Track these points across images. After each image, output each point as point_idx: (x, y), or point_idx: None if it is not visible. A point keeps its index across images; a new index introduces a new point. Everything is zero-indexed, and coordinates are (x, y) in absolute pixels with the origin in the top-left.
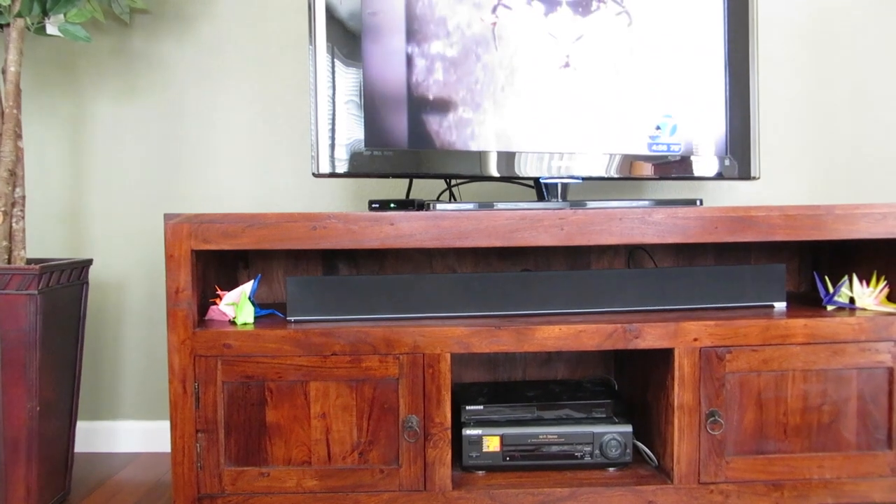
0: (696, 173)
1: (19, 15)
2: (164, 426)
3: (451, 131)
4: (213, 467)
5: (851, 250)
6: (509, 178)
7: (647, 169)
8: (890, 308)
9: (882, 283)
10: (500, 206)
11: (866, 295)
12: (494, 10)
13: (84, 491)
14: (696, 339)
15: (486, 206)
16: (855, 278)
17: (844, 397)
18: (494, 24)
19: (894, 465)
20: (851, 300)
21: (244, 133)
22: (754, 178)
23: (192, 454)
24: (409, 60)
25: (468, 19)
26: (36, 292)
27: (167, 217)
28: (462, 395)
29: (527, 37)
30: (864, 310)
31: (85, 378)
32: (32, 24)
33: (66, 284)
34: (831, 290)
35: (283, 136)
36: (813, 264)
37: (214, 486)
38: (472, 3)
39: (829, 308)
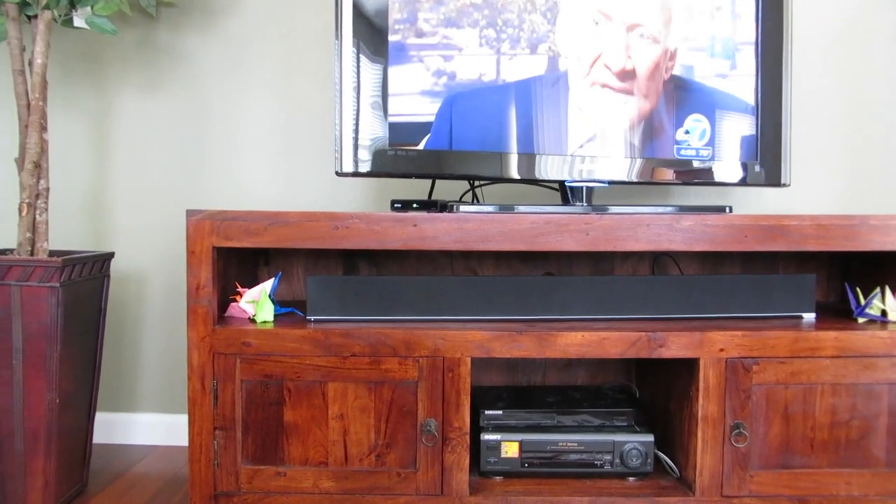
0: (725, 179)
1: (47, 7)
2: (183, 420)
3: (476, 132)
4: (230, 465)
5: (883, 261)
6: (533, 181)
7: (674, 174)
8: None
9: None
10: (524, 209)
11: None
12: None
13: (101, 483)
14: (722, 350)
15: (509, 208)
16: (888, 290)
17: (874, 413)
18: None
19: None
20: (883, 313)
21: (267, 129)
22: (784, 186)
23: (209, 452)
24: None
25: None
26: (58, 285)
27: (189, 213)
28: (481, 399)
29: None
30: None
31: (105, 369)
32: (59, 16)
33: (87, 277)
34: (862, 301)
35: (306, 134)
36: (842, 274)
37: (231, 485)
38: None
39: (861, 321)
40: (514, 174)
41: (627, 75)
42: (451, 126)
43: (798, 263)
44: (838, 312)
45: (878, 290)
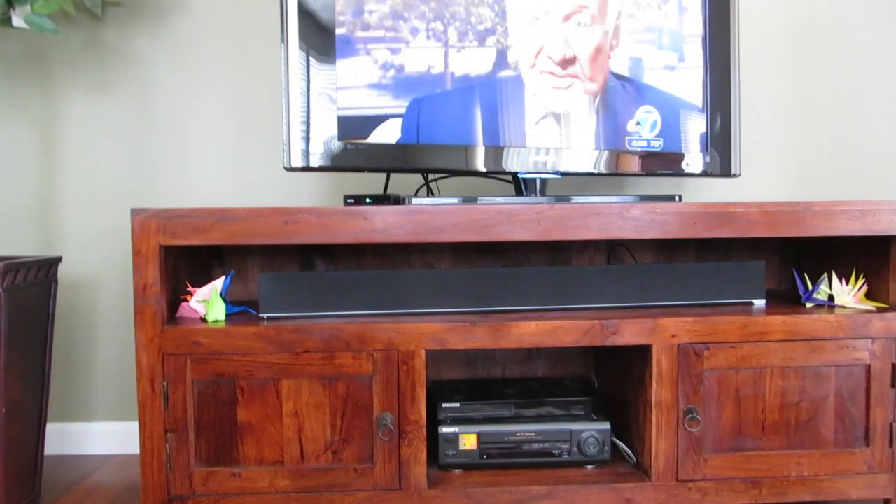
0: (676, 170)
1: None
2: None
3: (428, 126)
4: (184, 468)
5: (831, 248)
6: (487, 174)
7: (626, 165)
8: (868, 306)
9: (861, 281)
10: (476, 200)
11: (845, 293)
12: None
13: (55, 494)
14: (674, 336)
15: (461, 200)
16: (834, 276)
17: (822, 395)
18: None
19: (871, 463)
20: (830, 297)
21: (219, 128)
22: (735, 175)
23: (161, 455)
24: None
25: None
26: (0, 290)
27: (134, 212)
28: (439, 392)
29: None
30: (843, 307)
31: (56, 378)
32: None
33: (33, 282)
34: (810, 287)
35: (259, 131)
36: (794, 262)
37: (185, 488)
38: None
39: (809, 305)
40: (467, 167)
41: (569, 63)
42: (405, 118)
43: (751, 251)
44: (788, 298)
45: (825, 275)
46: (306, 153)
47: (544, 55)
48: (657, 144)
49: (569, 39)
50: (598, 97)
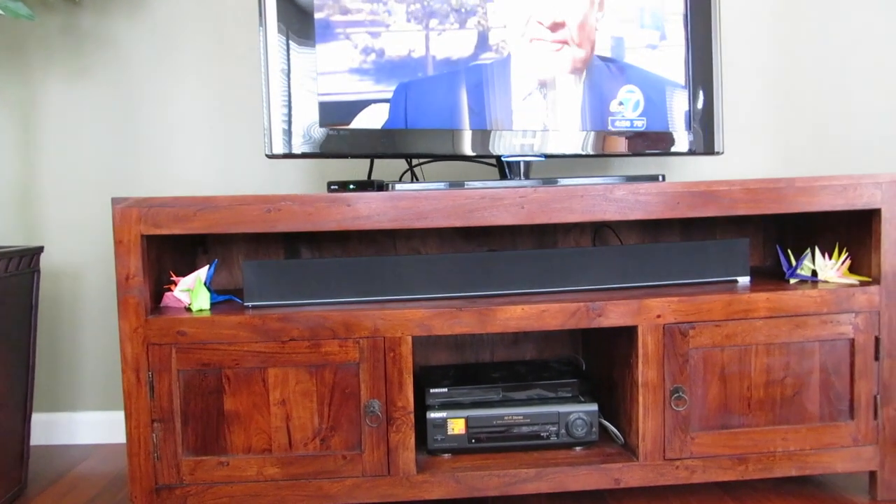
0: (659, 149)
1: None
2: None
3: (411, 109)
4: (171, 457)
5: (814, 223)
6: (471, 158)
7: (609, 146)
8: (851, 280)
9: (844, 255)
10: (463, 185)
11: (828, 267)
12: None
13: (42, 485)
14: (659, 316)
15: (445, 185)
16: (817, 251)
17: (807, 370)
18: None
19: (856, 436)
20: (814, 273)
21: (201, 114)
22: (718, 154)
23: (148, 445)
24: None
25: None
26: None
27: (115, 201)
28: (427, 377)
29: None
30: (827, 282)
31: (42, 369)
32: None
33: (14, 272)
34: (794, 263)
35: (242, 118)
36: (778, 238)
37: (172, 477)
38: None
39: (792, 281)
40: (454, 151)
41: (559, 27)
42: (392, 103)
43: (736, 229)
44: (772, 275)
45: (808, 251)
46: (288, 140)
47: (534, 21)
48: (640, 124)
49: (558, 4)
50: (584, 73)
